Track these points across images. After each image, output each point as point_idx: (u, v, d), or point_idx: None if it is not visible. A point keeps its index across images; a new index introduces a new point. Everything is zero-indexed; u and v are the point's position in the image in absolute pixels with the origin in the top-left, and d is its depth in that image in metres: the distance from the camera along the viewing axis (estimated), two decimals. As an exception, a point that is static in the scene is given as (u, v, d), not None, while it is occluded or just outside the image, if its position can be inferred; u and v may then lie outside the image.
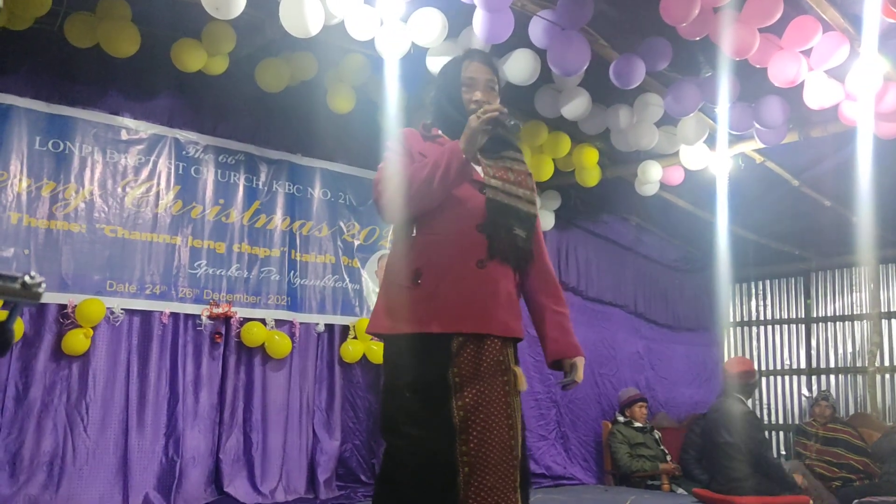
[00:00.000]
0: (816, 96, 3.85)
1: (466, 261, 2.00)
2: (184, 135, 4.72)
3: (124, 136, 4.52)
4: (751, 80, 4.15)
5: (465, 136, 2.00)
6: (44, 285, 0.78)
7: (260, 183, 5.01)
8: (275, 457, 4.76)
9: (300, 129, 5.11)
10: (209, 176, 4.80)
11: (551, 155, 5.42)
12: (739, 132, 4.60)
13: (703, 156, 5.07)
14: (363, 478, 5.19)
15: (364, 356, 5.15)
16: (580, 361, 2.14)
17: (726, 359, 8.41)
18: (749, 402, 4.98)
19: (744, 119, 4.39)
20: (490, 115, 1.99)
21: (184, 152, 4.72)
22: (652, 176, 5.45)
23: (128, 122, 4.53)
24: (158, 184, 4.60)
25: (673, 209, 6.64)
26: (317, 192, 5.25)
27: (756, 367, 8.11)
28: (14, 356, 4.03)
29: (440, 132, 2.17)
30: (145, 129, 4.58)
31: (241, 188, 4.92)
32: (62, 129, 4.31)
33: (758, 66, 3.82)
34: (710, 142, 4.99)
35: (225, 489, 4.50)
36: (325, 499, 4.77)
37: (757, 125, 4.42)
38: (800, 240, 7.39)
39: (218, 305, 4.68)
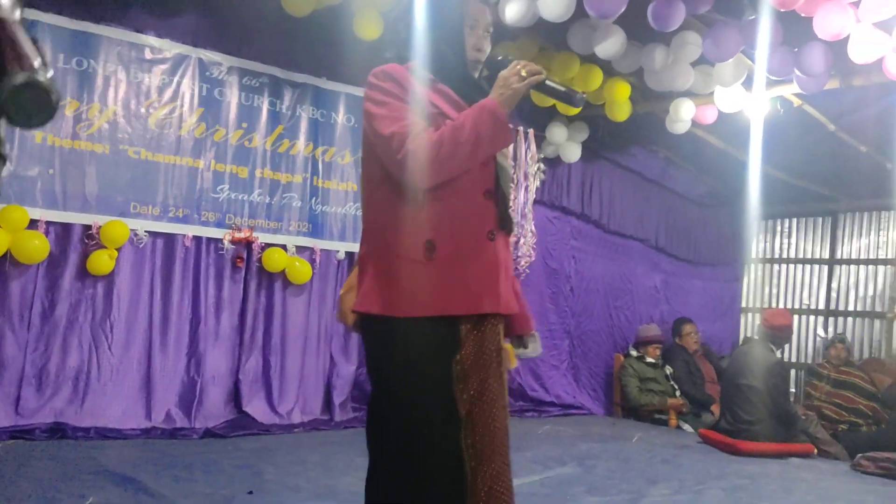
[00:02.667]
0: (861, 51, 3.68)
1: (479, 232, 1.81)
2: (208, 55, 4.64)
3: (148, 55, 4.45)
4: (794, 24, 3.97)
5: (504, 97, 1.74)
6: None
7: (284, 107, 4.94)
8: (292, 379, 4.89)
9: (326, 52, 4.98)
10: (233, 99, 4.74)
11: (582, 88, 5.26)
12: (779, 78, 4.43)
13: (739, 98, 4.90)
14: (377, 401, 5.34)
15: (382, 284, 5.20)
16: (537, 334, 2.10)
17: (745, 294, 8.43)
18: (778, 353, 5.00)
19: (784, 65, 4.22)
20: (537, 79, 1.75)
21: (207, 73, 4.65)
22: (683, 115, 5.30)
23: (152, 40, 4.45)
24: (182, 105, 4.56)
25: (703, 144, 6.49)
26: (340, 118, 5.18)
27: (776, 305, 8.14)
28: (40, 274, 4.12)
29: (431, 75, 1.85)
30: (169, 48, 4.50)
31: (264, 112, 4.86)
32: (86, 47, 4.25)
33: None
34: (748, 82, 4.82)
35: (244, 408, 4.65)
36: (340, 420, 4.92)
37: (798, 72, 4.25)
38: (830, 181, 7.23)
39: (240, 230, 4.71)
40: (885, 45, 3.74)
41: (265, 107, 4.87)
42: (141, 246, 4.40)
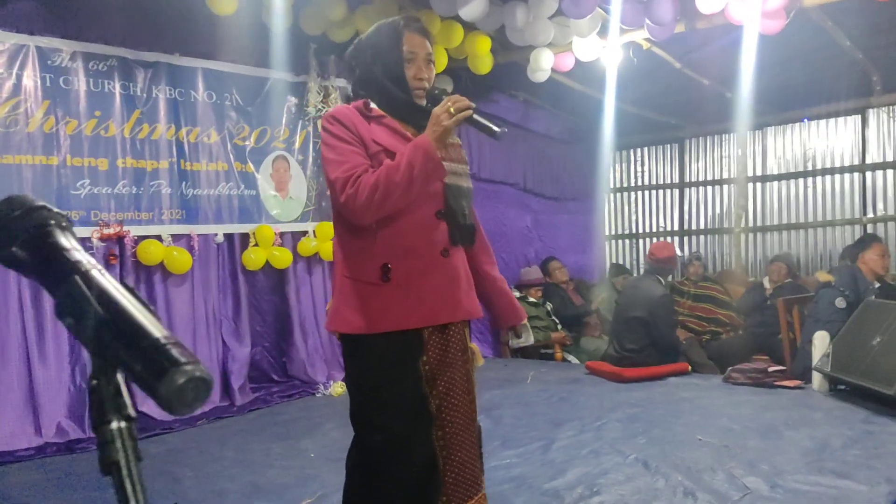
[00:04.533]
0: (708, 1, 3.92)
1: (432, 251, 1.97)
2: (46, 42, 4.27)
3: (-21, 48, 4.05)
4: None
5: (436, 134, 1.88)
6: None
7: (138, 89, 4.66)
8: (186, 371, 4.76)
9: (177, 27, 4.72)
10: (80, 86, 4.41)
11: (444, 45, 5.30)
12: (631, 28, 4.65)
13: (595, 46, 5.10)
14: (275, 377, 5.33)
15: (267, 262, 5.14)
16: (528, 324, 2.27)
17: (607, 223, 8.91)
18: (664, 284, 5.37)
19: (635, 17, 4.44)
20: (465, 115, 1.89)
21: (49, 62, 4.29)
22: (543, 64, 5.46)
23: (-19, 32, 4.05)
24: (26, 100, 4.20)
25: (560, 86, 6.71)
26: (201, 95, 4.95)
27: (635, 230, 8.67)
28: None
29: (380, 110, 1.99)
30: (2, 38, 4.11)
31: (117, 97, 4.57)
32: None
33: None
34: (602, 30, 5.03)
35: (139, 409, 4.48)
36: (242, 405, 4.86)
37: (648, 22, 4.47)
38: (677, 111, 7.70)
39: (108, 226, 4.46)
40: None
41: (117, 91, 4.57)
42: (2, 256, 4.09)
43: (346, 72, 2.21)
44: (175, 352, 0.51)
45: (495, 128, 1.97)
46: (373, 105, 2.00)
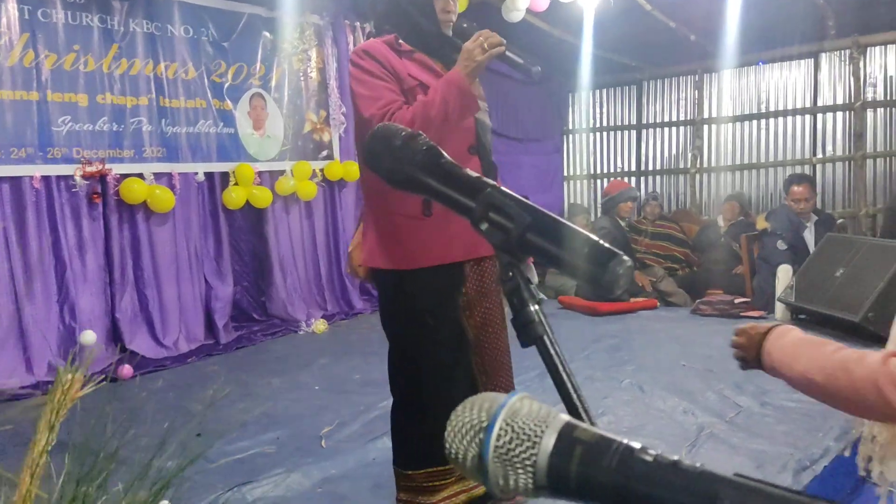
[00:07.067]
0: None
1: None
2: (21, -29, 4.12)
3: (-48, -23, 3.88)
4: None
5: (468, 69, 1.87)
6: None
7: (115, 23, 4.54)
8: (172, 309, 4.79)
9: (153, -42, 4.60)
10: (59, 19, 4.28)
11: (422, -17, 5.28)
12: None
13: (574, -13, 5.18)
14: (256, 316, 5.38)
15: (246, 202, 5.13)
16: (532, 266, 2.37)
17: (566, 164, 9.10)
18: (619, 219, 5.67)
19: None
20: (498, 51, 1.88)
21: (25, -8, 4.14)
22: (520, 4, 5.50)
23: (-47, -41, 3.87)
24: (4, 32, 4.06)
25: (525, 25, 6.73)
26: (178, 30, 4.84)
27: (595, 170, 8.88)
28: None
29: (408, 45, 2.01)
30: (-25, -34, 3.95)
31: (95, 31, 4.45)
32: None
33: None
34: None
35: (128, 346, 4.52)
36: (227, 342, 4.93)
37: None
38: (637, 53, 7.82)
39: (91, 163, 4.39)
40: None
41: (95, 24, 4.45)
42: (-14, 195, 4.01)
43: (367, 7, 2.25)
44: (608, 246, 0.61)
45: (530, 66, 1.98)
46: (401, 40, 2.01)
